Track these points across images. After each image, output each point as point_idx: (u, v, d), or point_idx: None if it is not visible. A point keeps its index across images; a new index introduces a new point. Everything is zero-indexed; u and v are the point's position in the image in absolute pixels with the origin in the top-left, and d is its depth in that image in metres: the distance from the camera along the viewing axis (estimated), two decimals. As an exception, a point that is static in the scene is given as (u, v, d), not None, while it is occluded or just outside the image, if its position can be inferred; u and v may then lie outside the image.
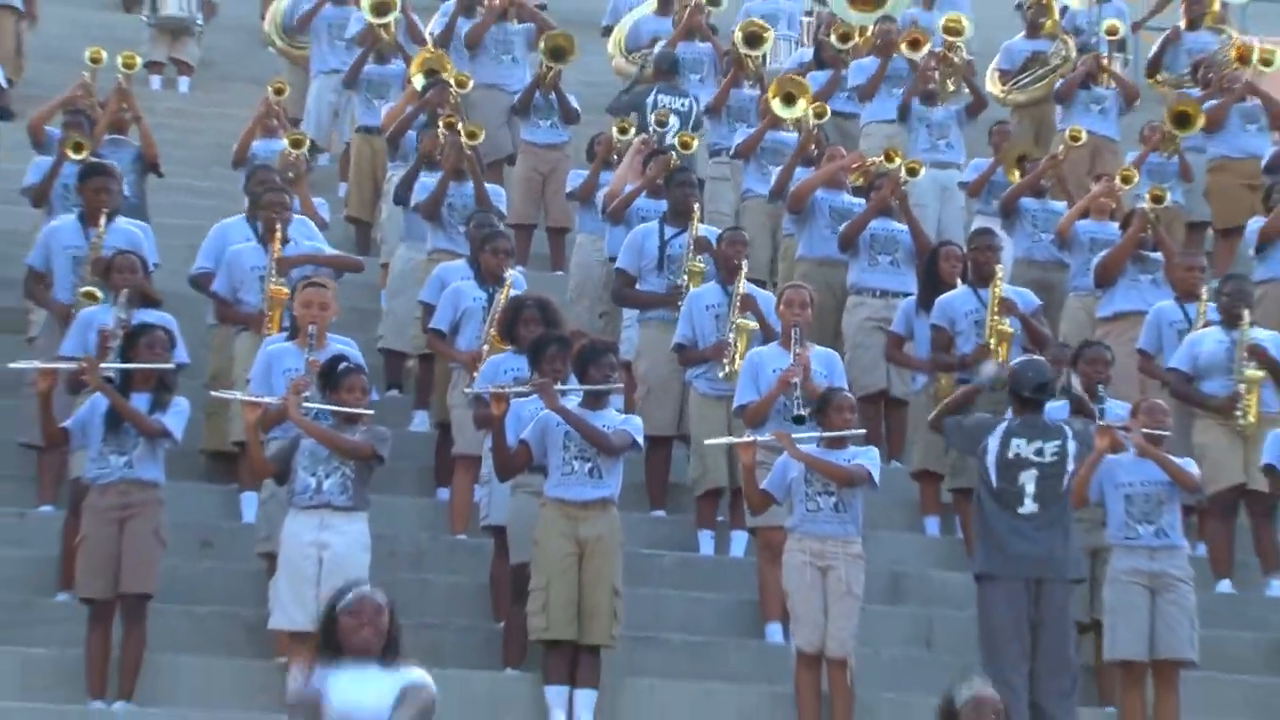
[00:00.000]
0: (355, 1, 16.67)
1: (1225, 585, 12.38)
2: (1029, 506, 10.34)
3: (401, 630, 7.24)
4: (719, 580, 12.24)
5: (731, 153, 15.58)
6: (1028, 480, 10.35)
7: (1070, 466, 10.43)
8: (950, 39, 15.81)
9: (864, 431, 11.25)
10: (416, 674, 7.15)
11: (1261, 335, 12.67)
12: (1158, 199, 13.90)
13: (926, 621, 11.92)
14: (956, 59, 15.85)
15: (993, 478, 10.40)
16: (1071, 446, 10.44)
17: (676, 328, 12.57)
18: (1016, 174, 14.98)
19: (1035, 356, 11.11)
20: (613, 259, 13.83)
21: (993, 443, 10.41)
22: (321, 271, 12.13)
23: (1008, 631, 10.24)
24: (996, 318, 12.51)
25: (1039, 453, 10.38)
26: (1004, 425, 10.48)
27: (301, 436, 10.43)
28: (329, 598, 7.45)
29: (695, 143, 14.92)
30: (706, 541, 12.45)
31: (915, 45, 16.51)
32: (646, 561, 11.91)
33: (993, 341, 12.42)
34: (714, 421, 12.20)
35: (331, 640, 7.22)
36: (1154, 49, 18.02)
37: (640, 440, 11.04)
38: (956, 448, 11.33)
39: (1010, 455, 10.38)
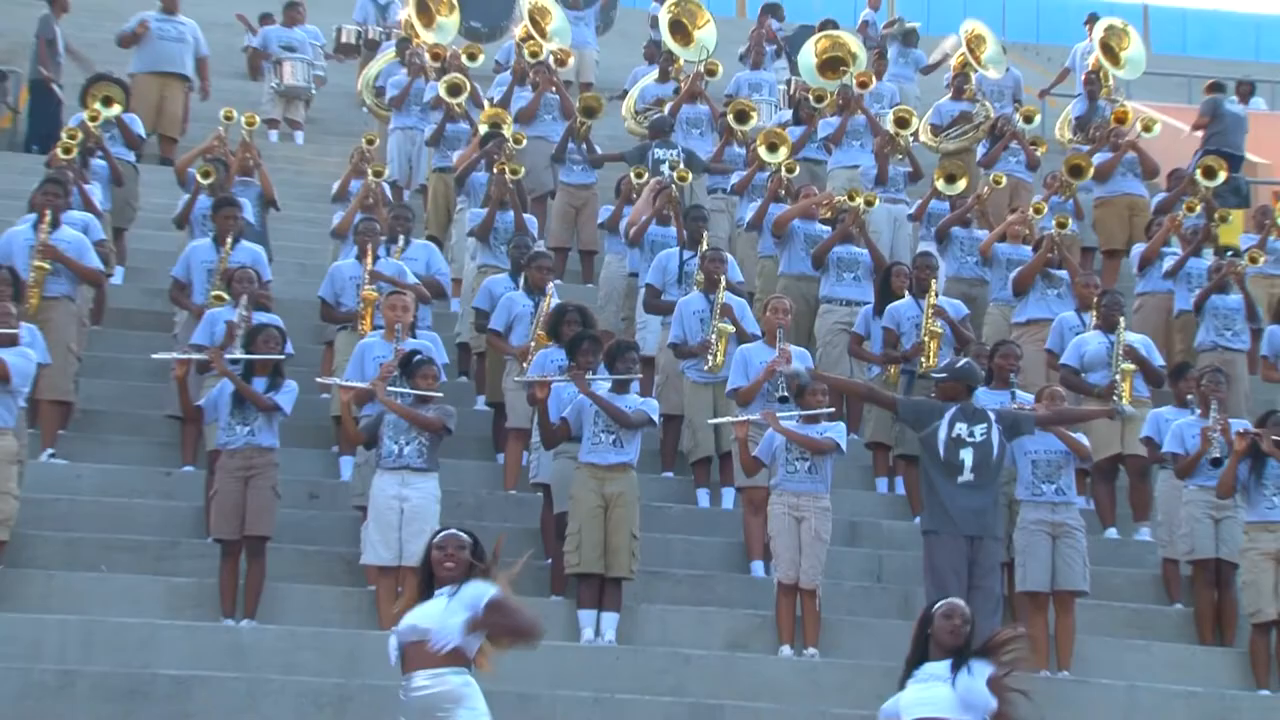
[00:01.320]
0: (428, 76, 16.67)
1: (1111, 532, 12.44)
2: (967, 475, 10.31)
3: (484, 561, 7.33)
4: (713, 527, 12.24)
5: (729, 190, 15.54)
6: (966, 455, 10.32)
7: (996, 443, 10.41)
8: (898, 130, 15.73)
9: (833, 409, 11.28)
10: (475, 588, 7.18)
11: (1133, 338, 12.69)
12: (1062, 224, 13.94)
13: (877, 560, 11.94)
14: (902, 141, 15.76)
15: (941, 452, 10.37)
16: (995, 429, 10.42)
17: (670, 328, 12.61)
18: (940, 182, 14.92)
19: (972, 361, 11.08)
20: (633, 274, 13.87)
21: (943, 425, 10.39)
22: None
23: (949, 575, 10.22)
24: (931, 322, 12.55)
25: (972, 434, 10.37)
26: (951, 411, 10.45)
27: (386, 412, 10.50)
28: (428, 539, 7.59)
29: (690, 177, 14.90)
30: (703, 497, 12.47)
31: (864, 85, 16.45)
32: (657, 512, 11.90)
33: (927, 339, 12.47)
34: (702, 402, 12.28)
35: (428, 576, 7.37)
36: (1082, 111, 17.89)
37: (656, 418, 11.21)
38: (906, 422, 11.29)
39: (954, 435, 10.36)
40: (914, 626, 7.73)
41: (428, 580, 7.36)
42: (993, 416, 10.51)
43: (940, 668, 7.47)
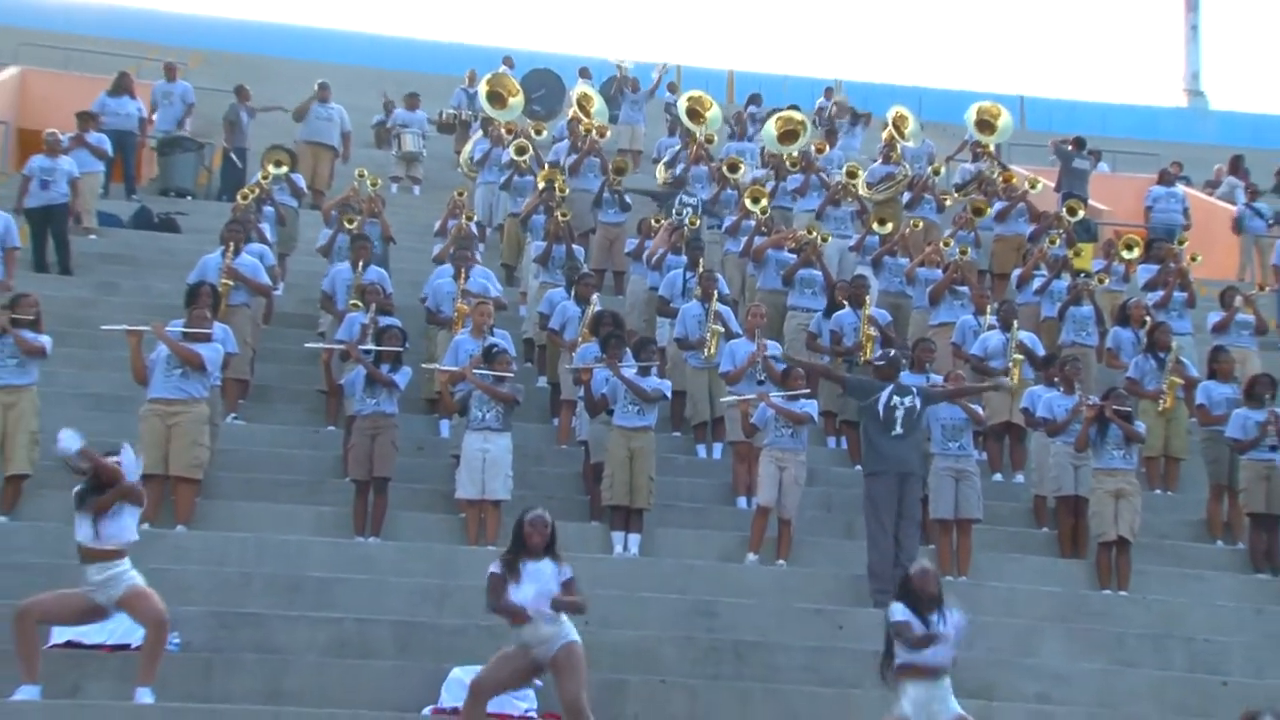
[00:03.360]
0: (505, 145, 16.69)
1: (997, 476, 12.41)
2: (898, 430, 10.31)
3: (557, 535, 7.77)
4: (708, 471, 12.24)
5: (722, 230, 15.45)
6: (899, 416, 10.32)
7: (919, 410, 10.41)
8: (849, 180, 15.74)
9: (809, 390, 11.30)
10: (567, 567, 7.71)
11: (1023, 335, 12.68)
12: (964, 253, 13.97)
13: (828, 496, 11.92)
14: (852, 189, 15.75)
15: (880, 414, 10.36)
16: (918, 400, 10.43)
17: (676, 326, 12.65)
18: (876, 225, 14.86)
19: (899, 352, 11.09)
20: (653, 289, 13.86)
21: (883, 396, 10.38)
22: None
23: (883, 504, 10.23)
24: (866, 326, 12.60)
25: (903, 401, 10.37)
26: (889, 388, 10.45)
27: (474, 388, 10.53)
28: (520, 514, 7.90)
29: (699, 222, 14.90)
30: (701, 450, 12.46)
31: (820, 150, 16.52)
32: (668, 461, 11.91)
33: (865, 340, 12.50)
34: (701, 383, 12.31)
35: (519, 540, 7.67)
36: (960, 175, 17.90)
37: (668, 393, 11.21)
38: (853, 396, 11.23)
39: (891, 403, 10.36)
40: (897, 587, 7.66)
41: (519, 541, 7.69)
42: (915, 390, 10.53)
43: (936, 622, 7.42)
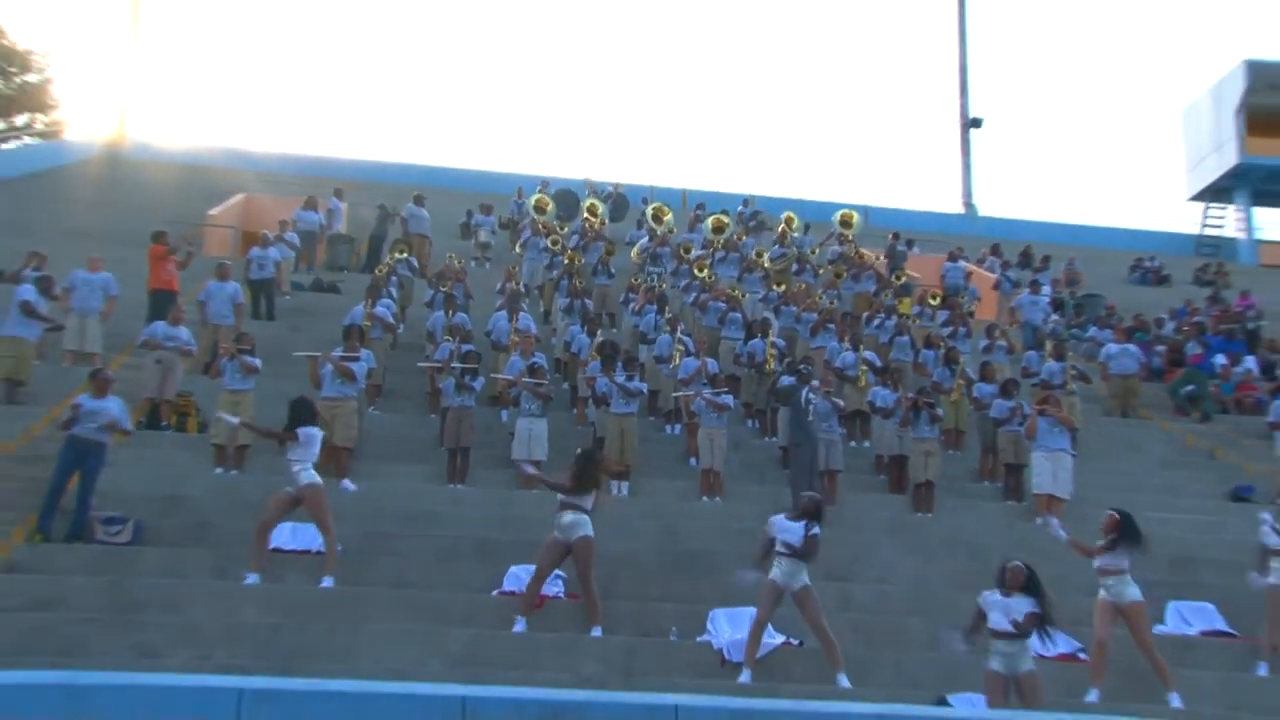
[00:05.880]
0: (541, 235, 16.71)
1: (853, 444, 12.35)
2: (811, 417, 10.43)
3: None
4: (672, 442, 12.18)
5: (681, 288, 15.53)
6: (811, 410, 10.44)
7: (819, 403, 10.51)
8: (757, 258, 15.85)
9: (729, 390, 11.35)
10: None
11: (868, 354, 12.77)
12: (831, 303, 14.14)
13: (748, 457, 11.86)
14: (764, 265, 15.88)
15: (803, 406, 10.46)
16: (818, 398, 10.53)
17: (654, 349, 12.67)
18: (775, 285, 14.93)
19: (810, 367, 11.12)
20: (635, 326, 13.89)
21: (803, 394, 10.49)
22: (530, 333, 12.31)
23: (802, 463, 10.28)
24: (770, 349, 12.62)
25: (815, 400, 10.49)
26: (805, 390, 10.51)
27: (522, 390, 10.55)
28: (584, 450, 8.13)
29: (665, 285, 14.94)
30: (668, 429, 12.45)
31: (740, 238, 16.75)
32: (647, 435, 11.86)
33: (768, 357, 12.52)
34: (668, 385, 12.26)
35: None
36: (830, 255, 17.98)
37: (645, 391, 11.26)
38: (780, 402, 11.25)
39: (807, 399, 10.48)
40: (797, 508, 7.69)
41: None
42: (820, 393, 10.62)
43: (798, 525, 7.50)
